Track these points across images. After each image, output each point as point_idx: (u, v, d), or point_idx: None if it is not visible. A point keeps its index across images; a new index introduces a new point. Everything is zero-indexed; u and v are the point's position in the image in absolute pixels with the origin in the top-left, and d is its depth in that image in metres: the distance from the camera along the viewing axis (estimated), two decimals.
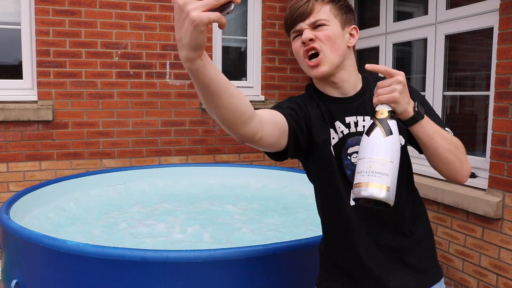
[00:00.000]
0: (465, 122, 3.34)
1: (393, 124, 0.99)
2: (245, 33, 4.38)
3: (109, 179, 3.27)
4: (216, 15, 0.76)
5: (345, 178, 1.18)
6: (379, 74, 1.09)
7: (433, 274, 1.25)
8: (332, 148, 1.18)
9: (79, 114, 3.74)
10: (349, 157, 1.18)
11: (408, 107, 1.02)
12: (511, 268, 2.49)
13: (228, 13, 0.78)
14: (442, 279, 1.27)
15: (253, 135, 0.99)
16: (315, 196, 1.29)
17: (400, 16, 3.60)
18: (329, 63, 1.16)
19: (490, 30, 2.74)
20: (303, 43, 1.16)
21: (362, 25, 3.95)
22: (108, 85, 3.81)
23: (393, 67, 3.65)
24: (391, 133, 0.97)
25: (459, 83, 3.22)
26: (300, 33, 1.18)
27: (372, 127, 0.99)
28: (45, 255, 1.70)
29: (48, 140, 3.65)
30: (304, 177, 1.38)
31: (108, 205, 2.99)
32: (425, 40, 3.27)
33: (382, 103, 1.01)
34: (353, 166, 1.17)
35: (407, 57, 3.72)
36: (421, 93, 1.30)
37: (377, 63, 3.73)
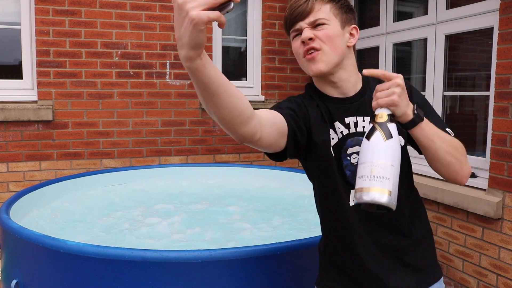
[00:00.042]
0: (465, 122, 3.34)
1: (393, 127, 0.99)
2: (245, 33, 4.38)
3: (109, 179, 3.27)
4: (215, 14, 0.76)
5: (344, 179, 1.18)
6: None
7: (433, 273, 1.25)
8: (331, 149, 1.18)
9: (79, 114, 3.74)
10: (348, 158, 1.18)
11: (407, 110, 1.02)
12: (511, 268, 2.49)
13: (227, 12, 0.78)
14: (442, 278, 1.27)
15: (252, 136, 0.99)
16: (314, 195, 1.29)
17: (400, 16, 3.60)
18: (328, 62, 1.15)
19: (490, 30, 2.74)
20: (303, 42, 1.16)
21: (362, 25, 3.95)
22: (108, 85, 3.81)
23: (393, 67, 3.65)
24: (391, 137, 0.97)
25: (459, 83, 3.22)
26: (299, 32, 1.17)
27: (372, 131, 0.98)
28: (45, 255, 1.70)
29: (48, 140, 3.66)
30: (304, 177, 1.38)
31: (108, 205, 2.99)
32: (425, 40, 3.27)
33: (381, 107, 1.01)
34: (352, 166, 1.17)
35: (407, 57, 3.72)
36: (421, 93, 1.30)
37: (377, 63, 3.74)
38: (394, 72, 3.91)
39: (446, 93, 3.16)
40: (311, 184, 1.30)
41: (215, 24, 0.79)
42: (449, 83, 3.17)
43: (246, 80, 4.40)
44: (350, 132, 1.19)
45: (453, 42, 3.13)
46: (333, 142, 1.18)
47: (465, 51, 3.20)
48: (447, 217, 2.91)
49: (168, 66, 3.97)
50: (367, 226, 1.17)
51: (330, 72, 1.17)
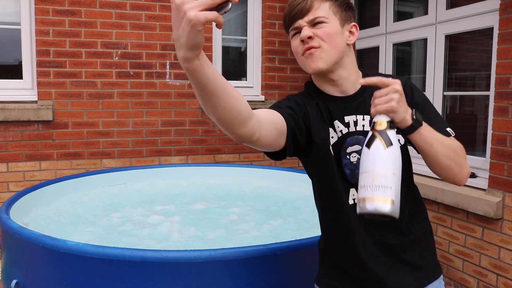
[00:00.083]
0: (465, 122, 3.33)
1: (392, 134, 0.98)
2: (245, 33, 4.38)
3: (109, 179, 3.27)
4: (213, 14, 0.76)
5: (344, 177, 1.18)
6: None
7: (432, 271, 1.25)
8: (331, 148, 1.18)
9: (79, 114, 3.74)
10: (348, 157, 1.17)
11: (406, 115, 1.01)
12: (511, 268, 2.49)
13: (225, 12, 0.78)
14: (441, 276, 1.27)
15: (250, 136, 0.99)
16: (314, 193, 1.29)
17: (400, 16, 3.60)
18: (327, 59, 1.15)
19: (490, 30, 2.74)
20: (302, 41, 1.15)
21: (362, 25, 3.94)
22: (108, 85, 3.81)
23: (393, 67, 3.65)
24: (391, 144, 0.96)
25: (459, 83, 3.22)
26: (299, 30, 1.17)
27: (372, 139, 0.98)
28: (45, 255, 1.70)
29: (48, 140, 3.66)
30: (304, 177, 1.38)
31: (108, 205, 2.99)
32: (425, 40, 3.27)
33: (380, 114, 1.00)
34: (352, 165, 1.17)
35: (407, 57, 3.72)
36: (423, 92, 1.30)
37: (377, 63, 3.74)
38: (394, 72, 3.88)
39: (446, 93, 3.16)
40: (311, 184, 1.30)
41: (214, 24, 0.79)
42: (449, 83, 3.16)
43: (246, 80, 4.39)
44: (350, 131, 1.18)
45: (453, 42, 3.13)
46: (332, 141, 1.18)
47: (465, 51, 3.20)
48: (447, 217, 2.91)
49: (168, 66, 3.97)
50: (367, 225, 1.17)
51: (329, 70, 1.17)
